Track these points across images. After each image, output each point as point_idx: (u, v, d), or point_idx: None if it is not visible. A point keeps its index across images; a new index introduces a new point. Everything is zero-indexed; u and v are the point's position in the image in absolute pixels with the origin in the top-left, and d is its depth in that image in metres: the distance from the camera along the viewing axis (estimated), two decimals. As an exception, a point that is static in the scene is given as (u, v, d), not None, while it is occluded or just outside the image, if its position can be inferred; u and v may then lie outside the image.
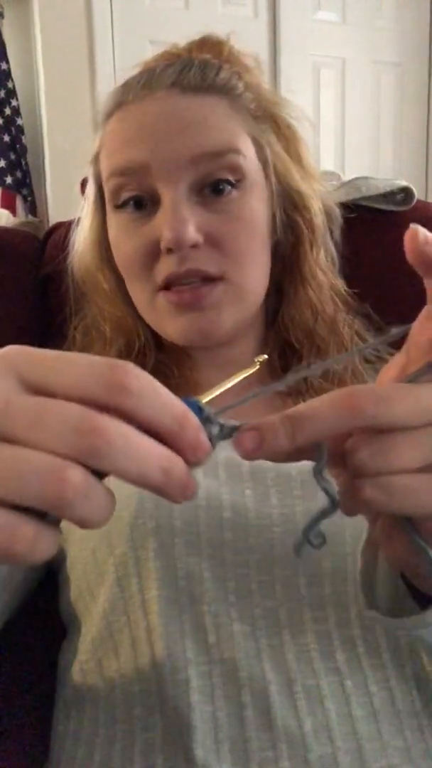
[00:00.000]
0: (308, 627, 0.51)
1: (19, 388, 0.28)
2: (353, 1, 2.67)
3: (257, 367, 0.37)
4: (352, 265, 0.72)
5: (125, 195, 0.59)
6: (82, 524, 0.27)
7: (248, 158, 0.60)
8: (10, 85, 2.30)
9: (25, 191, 2.38)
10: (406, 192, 0.80)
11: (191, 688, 0.49)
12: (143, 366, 0.64)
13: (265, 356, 0.39)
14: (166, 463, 0.28)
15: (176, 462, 0.28)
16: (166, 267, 0.58)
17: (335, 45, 2.68)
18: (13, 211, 2.31)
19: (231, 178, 0.58)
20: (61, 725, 0.57)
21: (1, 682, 0.62)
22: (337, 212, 0.71)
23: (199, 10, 2.44)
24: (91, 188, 0.66)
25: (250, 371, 0.36)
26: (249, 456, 0.31)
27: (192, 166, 0.57)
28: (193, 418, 0.29)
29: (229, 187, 0.58)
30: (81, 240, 0.69)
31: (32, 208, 2.40)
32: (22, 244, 0.84)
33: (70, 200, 0.78)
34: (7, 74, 2.29)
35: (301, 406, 0.31)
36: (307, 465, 0.32)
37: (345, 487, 0.32)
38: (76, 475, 0.26)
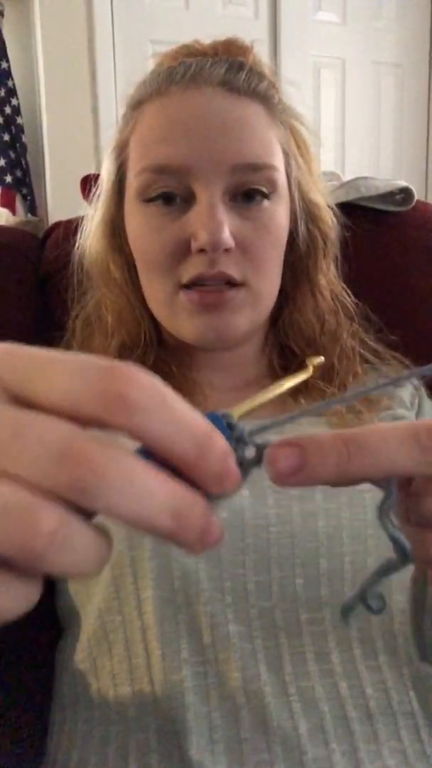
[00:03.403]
0: (304, 628, 0.51)
1: (1, 397, 0.23)
2: (353, 1, 2.66)
3: (311, 373, 0.30)
4: (351, 266, 0.72)
5: (157, 191, 0.58)
6: (64, 576, 0.22)
7: (280, 172, 0.60)
8: (10, 83, 2.29)
9: (24, 190, 2.38)
10: (406, 192, 0.80)
11: (186, 688, 0.49)
12: (143, 363, 0.64)
13: (321, 358, 0.32)
14: (179, 502, 0.22)
15: (193, 501, 0.22)
16: (194, 267, 0.57)
17: (335, 45, 2.68)
18: (13, 210, 2.30)
19: (265, 189, 0.58)
20: (57, 726, 0.57)
21: (-2, 682, 0.62)
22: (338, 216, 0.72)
23: (199, 10, 2.43)
24: (108, 176, 0.65)
25: (303, 377, 0.29)
26: (282, 480, 0.24)
27: (230, 173, 0.56)
28: (220, 440, 0.23)
29: (261, 197, 0.58)
30: (94, 225, 0.68)
31: (32, 206, 2.40)
32: (21, 243, 0.83)
33: (69, 199, 0.77)
34: (7, 73, 2.29)
35: (363, 429, 0.25)
36: None
37: (409, 538, 0.26)
38: (51, 518, 0.21)
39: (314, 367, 0.30)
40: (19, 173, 2.35)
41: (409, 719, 0.50)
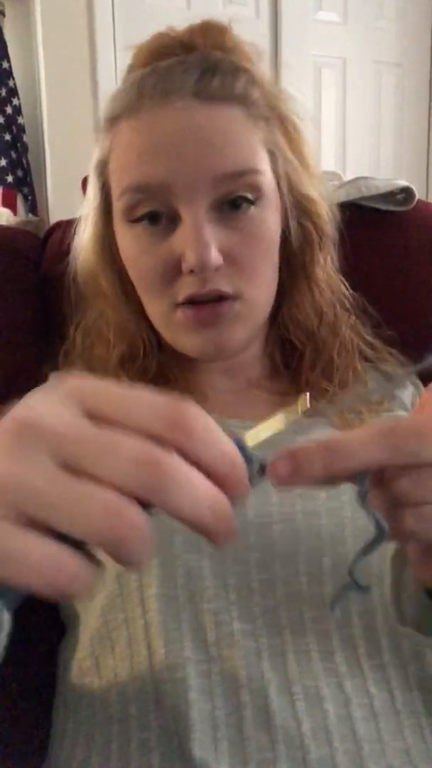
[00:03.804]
0: (308, 627, 0.51)
1: (87, 418, 0.28)
2: (354, 1, 2.66)
3: (307, 406, 0.35)
4: (351, 265, 0.72)
5: (141, 211, 0.57)
6: (125, 564, 0.27)
7: (266, 175, 0.59)
8: (11, 83, 2.30)
9: (25, 190, 2.38)
10: (407, 192, 0.80)
11: (189, 686, 0.49)
12: (146, 370, 0.64)
13: (307, 394, 0.37)
14: (218, 503, 0.28)
15: (225, 503, 0.28)
16: (187, 287, 0.57)
17: (336, 45, 2.68)
18: (14, 210, 2.30)
19: (250, 196, 0.57)
20: (60, 724, 0.57)
21: (0, 681, 0.62)
22: (336, 212, 0.71)
23: (200, 10, 2.43)
24: (94, 193, 0.64)
25: (297, 414, 0.34)
26: (283, 483, 0.30)
27: (213, 186, 0.55)
28: (240, 460, 0.29)
29: (248, 204, 0.57)
30: (84, 243, 0.67)
31: (33, 206, 2.40)
32: (22, 243, 0.84)
33: (70, 199, 0.77)
34: (8, 73, 2.29)
35: (343, 436, 0.31)
36: None
37: (385, 515, 0.32)
38: (136, 515, 0.26)
39: (303, 401, 0.35)
40: (20, 173, 2.36)
41: (413, 719, 0.50)
